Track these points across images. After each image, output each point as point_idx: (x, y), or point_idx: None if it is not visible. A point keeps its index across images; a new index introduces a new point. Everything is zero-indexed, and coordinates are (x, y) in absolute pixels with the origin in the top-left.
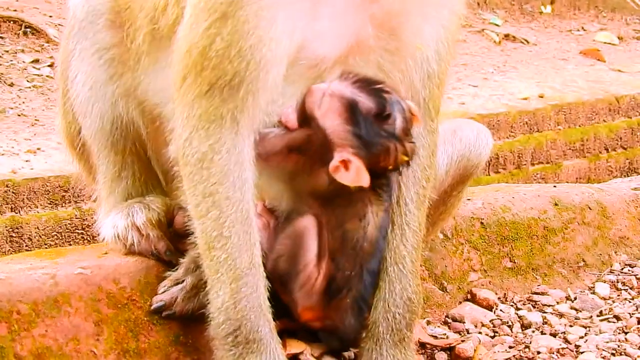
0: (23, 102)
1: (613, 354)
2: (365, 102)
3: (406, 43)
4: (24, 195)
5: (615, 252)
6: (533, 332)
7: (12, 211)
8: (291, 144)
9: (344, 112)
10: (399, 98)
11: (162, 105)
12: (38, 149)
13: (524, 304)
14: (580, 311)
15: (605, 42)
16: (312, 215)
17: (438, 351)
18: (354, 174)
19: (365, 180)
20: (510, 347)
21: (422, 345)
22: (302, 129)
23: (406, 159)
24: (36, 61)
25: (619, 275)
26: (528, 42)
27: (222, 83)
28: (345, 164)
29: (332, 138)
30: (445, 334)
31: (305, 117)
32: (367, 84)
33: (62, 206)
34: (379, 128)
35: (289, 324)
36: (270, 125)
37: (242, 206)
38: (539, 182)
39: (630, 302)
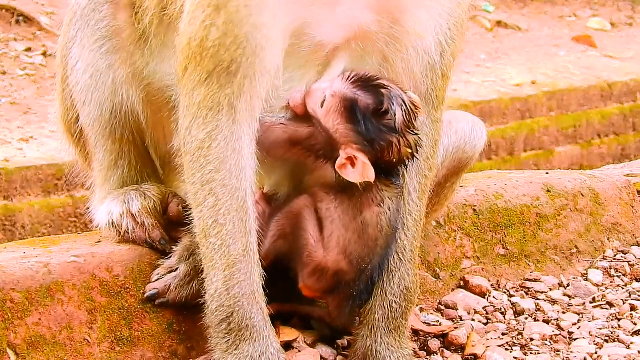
0: (15, 91)
1: (606, 341)
2: (364, 99)
3: (407, 31)
4: (17, 183)
5: (608, 239)
6: (526, 319)
7: (5, 200)
8: (294, 139)
9: (344, 111)
10: (399, 92)
11: (169, 89)
12: (31, 137)
13: (517, 291)
14: (573, 298)
15: (597, 29)
16: (306, 195)
17: (431, 338)
18: (360, 169)
19: (371, 175)
20: (503, 334)
21: (415, 332)
22: (305, 125)
23: (409, 151)
24: (29, 49)
25: (611, 261)
26: (520, 29)
27: (219, 70)
28: (351, 160)
29: (335, 136)
30: (438, 321)
31: (308, 114)
32: (366, 81)
33: (55, 194)
34: (379, 124)
35: (281, 307)
36: (276, 110)
37: (239, 194)
38: (532, 169)
39: (623, 288)
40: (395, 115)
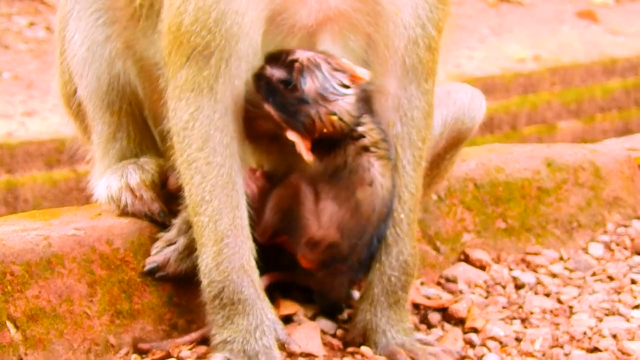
0: (18, 65)
1: (606, 314)
2: (276, 76)
3: (384, 8)
4: (19, 157)
5: (609, 213)
6: (526, 292)
7: (7, 174)
8: (272, 133)
9: (265, 93)
10: (315, 61)
11: (158, 66)
12: (34, 111)
13: (517, 265)
14: (574, 271)
15: (600, 4)
16: (303, 170)
17: (431, 312)
18: (301, 149)
19: (306, 156)
20: (503, 308)
21: (415, 306)
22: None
23: (335, 117)
24: (31, 24)
25: (612, 235)
26: (523, 4)
27: (196, 54)
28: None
29: (278, 121)
30: (438, 295)
31: None
32: (279, 57)
33: (57, 168)
34: (291, 98)
35: (279, 277)
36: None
37: (223, 170)
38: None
39: (623, 262)
40: (304, 85)
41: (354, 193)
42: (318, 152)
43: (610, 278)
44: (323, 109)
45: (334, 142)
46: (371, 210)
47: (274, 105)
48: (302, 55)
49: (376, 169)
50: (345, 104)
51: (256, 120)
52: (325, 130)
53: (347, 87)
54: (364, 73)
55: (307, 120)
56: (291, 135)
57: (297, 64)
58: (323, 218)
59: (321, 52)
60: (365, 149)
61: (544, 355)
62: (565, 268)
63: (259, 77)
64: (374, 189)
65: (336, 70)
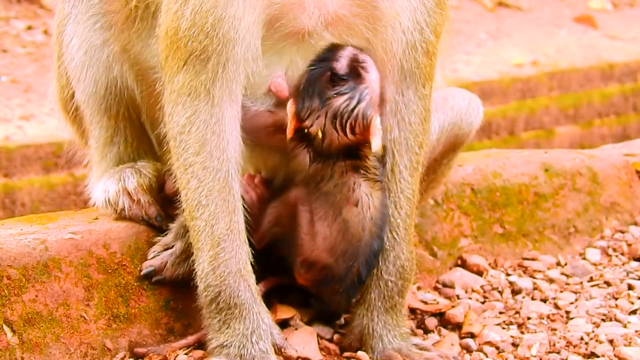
0: (16, 69)
1: (603, 320)
2: (340, 63)
3: (382, 12)
4: (17, 161)
5: (606, 218)
6: (523, 297)
7: (5, 177)
8: (279, 124)
9: (318, 59)
10: (364, 89)
11: (155, 70)
12: (31, 115)
13: (514, 270)
14: (571, 277)
15: (598, 9)
16: (302, 187)
17: (428, 317)
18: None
19: (288, 133)
20: (500, 313)
21: (412, 310)
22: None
23: (319, 134)
24: (29, 28)
25: (609, 241)
26: (521, 9)
27: (193, 57)
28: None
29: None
30: (435, 300)
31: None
32: (359, 55)
33: (55, 172)
34: (321, 85)
35: (278, 281)
36: (258, 96)
37: (220, 175)
38: (532, 149)
39: (620, 267)
40: (337, 95)
41: (340, 212)
42: (309, 154)
43: (607, 283)
44: (322, 119)
45: (321, 153)
46: (361, 230)
47: (309, 73)
48: (368, 78)
49: (362, 190)
50: (336, 137)
51: (257, 116)
52: (306, 132)
53: (354, 133)
54: (375, 145)
55: (307, 110)
56: (289, 106)
57: (357, 77)
58: (317, 240)
59: (382, 91)
60: (355, 168)
61: None
62: (562, 273)
63: (334, 48)
64: (360, 209)
65: (365, 116)
